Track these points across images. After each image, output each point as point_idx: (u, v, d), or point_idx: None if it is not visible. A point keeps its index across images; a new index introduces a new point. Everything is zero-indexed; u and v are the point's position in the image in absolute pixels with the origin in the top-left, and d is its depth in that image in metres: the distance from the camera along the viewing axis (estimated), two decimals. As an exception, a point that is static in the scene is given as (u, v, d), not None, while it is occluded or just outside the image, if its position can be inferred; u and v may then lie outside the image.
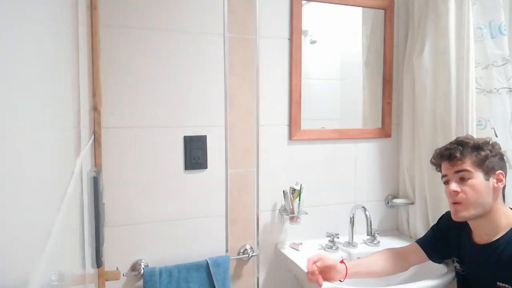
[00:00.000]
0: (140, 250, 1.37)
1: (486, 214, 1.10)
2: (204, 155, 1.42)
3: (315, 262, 1.21)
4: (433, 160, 1.20)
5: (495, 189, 1.10)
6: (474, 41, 1.42)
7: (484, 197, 1.09)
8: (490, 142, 1.14)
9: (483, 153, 1.10)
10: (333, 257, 1.28)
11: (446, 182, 1.15)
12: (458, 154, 1.11)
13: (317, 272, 1.19)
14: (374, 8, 1.65)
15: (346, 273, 1.21)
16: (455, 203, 1.12)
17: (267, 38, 1.50)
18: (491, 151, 1.11)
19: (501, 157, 1.14)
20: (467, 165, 1.10)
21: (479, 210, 1.10)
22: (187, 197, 1.42)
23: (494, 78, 1.43)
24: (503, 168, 1.13)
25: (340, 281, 1.22)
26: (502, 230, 1.09)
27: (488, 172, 1.10)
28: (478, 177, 1.10)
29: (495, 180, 1.10)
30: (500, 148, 1.15)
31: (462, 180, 1.11)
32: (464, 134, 1.38)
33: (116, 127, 1.31)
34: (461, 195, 1.10)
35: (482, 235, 1.13)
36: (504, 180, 1.11)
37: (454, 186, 1.12)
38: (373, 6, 1.64)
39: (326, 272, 1.21)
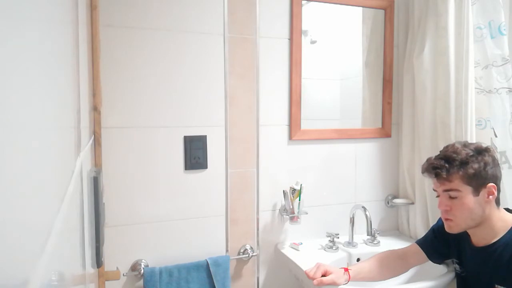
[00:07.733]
0: (140, 250, 1.37)
1: (481, 223, 1.10)
2: (204, 155, 1.42)
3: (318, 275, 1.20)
4: (422, 172, 1.17)
5: (486, 202, 1.08)
6: (474, 41, 1.42)
7: (474, 212, 1.08)
8: (481, 151, 1.09)
9: (471, 170, 1.05)
10: (334, 266, 1.26)
11: (438, 196, 1.14)
12: (444, 174, 1.08)
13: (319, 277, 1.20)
14: (374, 8, 1.65)
15: (349, 279, 1.22)
16: (446, 218, 1.13)
17: (267, 38, 1.50)
18: (480, 165, 1.06)
19: (493, 165, 1.08)
20: (455, 184, 1.07)
21: (470, 224, 1.10)
22: (187, 197, 1.42)
23: (493, 78, 1.43)
24: (495, 179, 1.08)
25: None
26: (498, 233, 1.09)
27: (478, 188, 1.06)
28: (466, 194, 1.07)
29: (486, 194, 1.07)
30: (494, 153, 1.11)
31: (450, 198, 1.09)
32: (464, 134, 1.39)
33: (116, 127, 1.32)
34: (451, 212, 1.10)
35: (479, 239, 1.14)
36: (495, 192, 1.08)
37: (443, 204, 1.11)
38: (373, 6, 1.65)
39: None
